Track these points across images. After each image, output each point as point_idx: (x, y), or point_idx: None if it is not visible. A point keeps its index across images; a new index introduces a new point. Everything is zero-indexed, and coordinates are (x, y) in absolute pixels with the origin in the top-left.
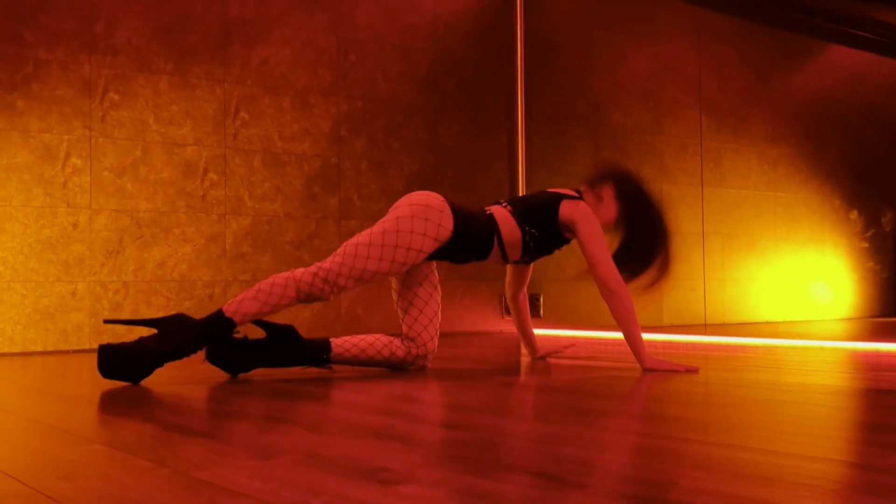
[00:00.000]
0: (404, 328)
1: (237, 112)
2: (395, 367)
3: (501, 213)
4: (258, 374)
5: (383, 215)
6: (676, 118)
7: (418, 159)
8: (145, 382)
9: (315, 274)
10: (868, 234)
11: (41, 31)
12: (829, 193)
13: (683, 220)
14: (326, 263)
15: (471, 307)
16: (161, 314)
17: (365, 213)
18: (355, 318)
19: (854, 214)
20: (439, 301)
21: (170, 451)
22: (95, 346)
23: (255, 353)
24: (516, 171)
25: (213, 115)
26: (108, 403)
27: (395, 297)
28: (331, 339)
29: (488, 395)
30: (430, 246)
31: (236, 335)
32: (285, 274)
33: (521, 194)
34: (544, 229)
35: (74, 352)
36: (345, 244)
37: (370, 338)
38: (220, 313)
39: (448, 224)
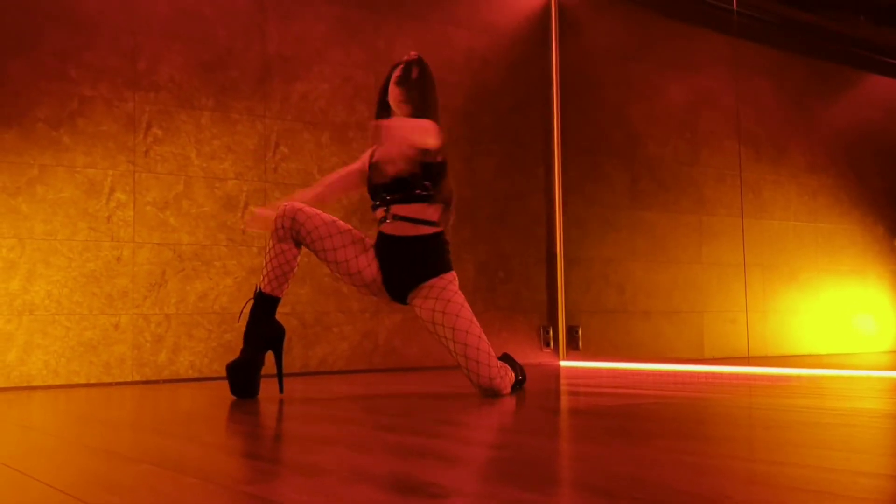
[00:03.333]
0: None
1: (277, 146)
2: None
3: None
4: (295, 400)
5: None
6: (714, 149)
7: (455, 191)
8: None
9: None
10: None
11: (85, 68)
12: (870, 224)
13: (723, 252)
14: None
15: (508, 339)
16: (201, 346)
17: None
18: (393, 350)
19: None
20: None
21: (217, 469)
22: (138, 378)
23: None
24: (553, 203)
25: (254, 149)
26: (153, 427)
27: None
28: None
29: (532, 419)
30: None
31: None
32: None
33: (557, 225)
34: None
35: (117, 384)
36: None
37: None
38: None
39: None
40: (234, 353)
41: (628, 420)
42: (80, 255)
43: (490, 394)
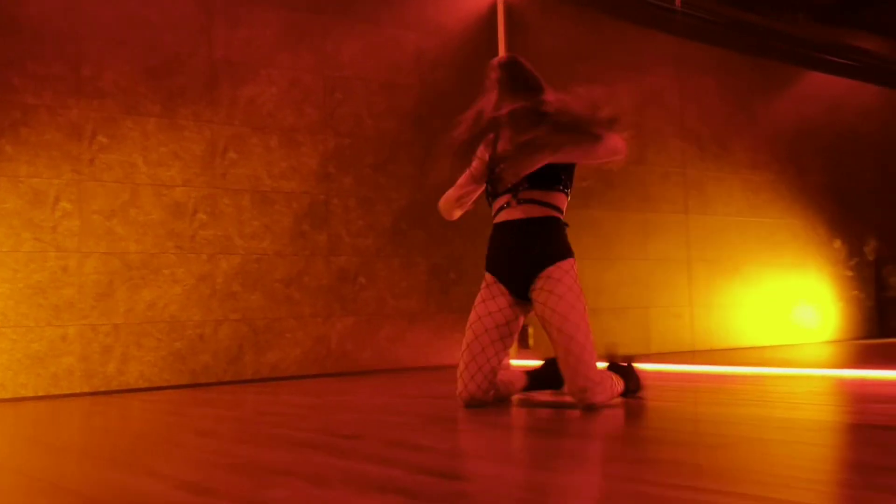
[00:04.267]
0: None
1: (225, 152)
2: None
3: None
4: (256, 415)
5: (371, 251)
6: (660, 147)
7: (406, 195)
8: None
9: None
10: (852, 262)
11: (28, 77)
12: (811, 219)
13: (669, 248)
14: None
15: (460, 340)
16: (151, 356)
17: (354, 250)
18: (345, 354)
19: (837, 243)
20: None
21: None
22: (87, 389)
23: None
24: None
25: (202, 155)
26: (108, 456)
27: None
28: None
29: (487, 439)
30: None
31: None
32: None
33: None
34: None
35: (66, 396)
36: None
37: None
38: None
39: None
40: (185, 362)
41: (580, 440)
42: (26, 266)
43: (581, 400)
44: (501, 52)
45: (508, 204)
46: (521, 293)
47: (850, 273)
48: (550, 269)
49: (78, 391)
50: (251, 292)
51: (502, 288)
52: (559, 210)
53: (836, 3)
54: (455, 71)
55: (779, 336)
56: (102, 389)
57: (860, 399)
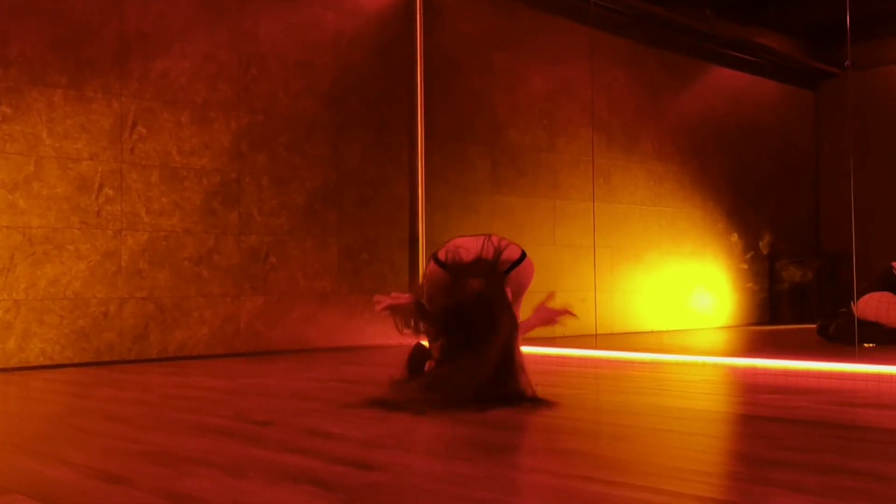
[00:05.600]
0: None
1: (134, 126)
2: None
3: None
4: (183, 402)
5: (283, 231)
6: (570, 137)
7: (320, 175)
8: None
9: None
10: (747, 256)
11: None
12: (711, 209)
13: (575, 235)
14: None
15: (373, 320)
16: (53, 333)
17: (265, 229)
18: (255, 333)
19: (734, 237)
20: None
21: (93, 502)
22: None
23: None
24: (416, 189)
25: (110, 129)
26: (17, 444)
27: None
28: None
29: (397, 427)
30: None
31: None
32: None
33: (420, 209)
34: None
35: None
36: None
37: None
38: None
39: None
40: (89, 340)
41: (489, 429)
42: None
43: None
44: (419, 35)
45: None
46: None
47: (745, 266)
48: None
49: None
50: (158, 270)
51: None
52: None
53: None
54: (373, 52)
55: (676, 321)
56: (1, 366)
57: (751, 389)
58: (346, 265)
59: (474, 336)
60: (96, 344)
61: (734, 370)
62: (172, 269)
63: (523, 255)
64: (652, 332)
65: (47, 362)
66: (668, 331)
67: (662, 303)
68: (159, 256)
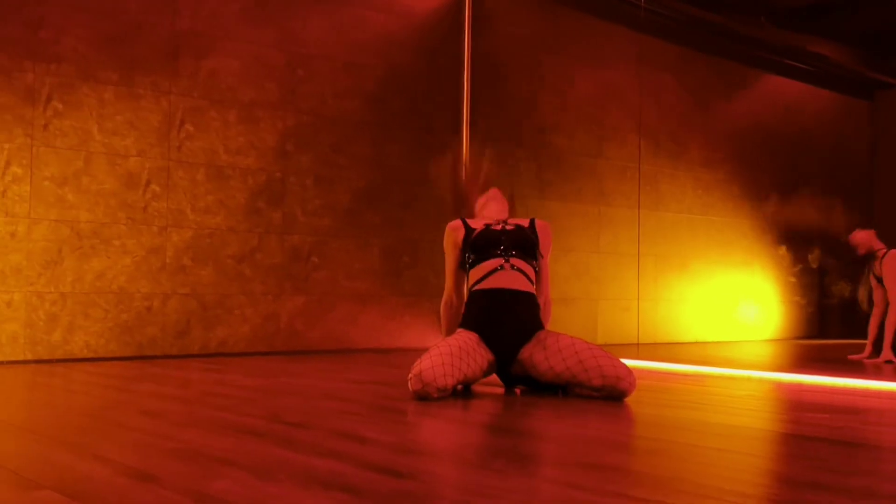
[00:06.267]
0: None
1: (182, 124)
2: None
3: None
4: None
5: (326, 231)
6: (618, 142)
7: (364, 176)
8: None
9: None
10: (796, 269)
11: None
12: (760, 219)
13: (620, 242)
14: None
15: (411, 324)
16: (98, 326)
17: (308, 229)
18: (294, 333)
19: (783, 250)
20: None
21: (119, 498)
22: (30, 357)
23: None
24: (459, 191)
25: (158, 126)
26: (54, 435)
27: None
28: None
29: (433, 433)
30: None
31: None
32: None
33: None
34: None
35: (9, 363)
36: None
37: None
38: None
39: None
40: (132, 334)
41: (523, 439)
42: None
43: (622, 388)
44: (467, 38)
45: (501, 267)
46: (504, 356)
47: (793, 279)
48: (538, 334)
49: (21, 358)
50: (202, 267)
51: (485, 347)
52: (533, 283)
53: (797, 8)
54: (419, 54)
55: (722, 332)
56: (46, 358)
57: (796, 406)
58: (387, 267)
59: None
60: (139, 338)
61: (779, 386)
62: (216, 266)
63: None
64: (696, 342)
65: (91, 355)
66: (712, 342)
67: (707, 313)
68: (203, 253)
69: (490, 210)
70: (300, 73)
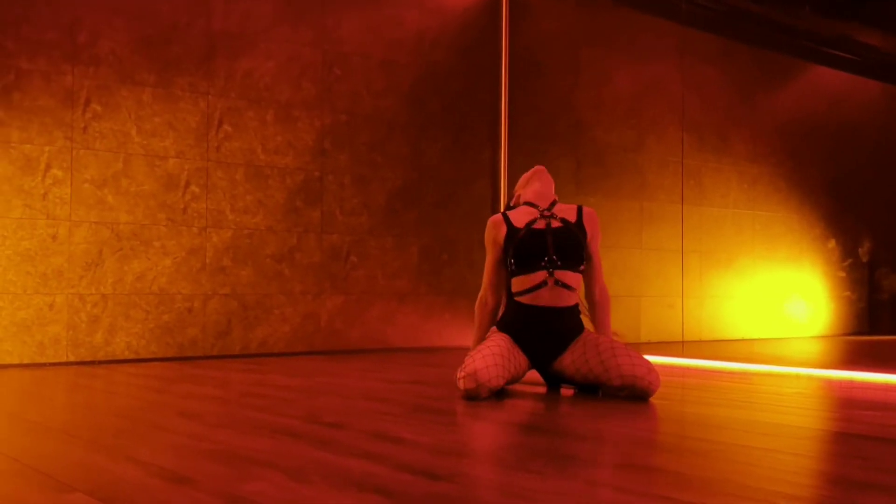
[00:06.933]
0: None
1: (220, 125)
2: None
3: None
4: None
5: (364, 230)
6: (659, 136)
7: (401, 175)
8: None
9: None
10: (845, 263)
11: (23, 41)
12: (807, 213)
13: (663, 238)
14: None
15: (450, 322)
16: (139, 328)
17: (347, 228)
18: (334, 332)
19: (832, 243)
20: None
21: (152, 502)
22: (73, 359)
23: None
24: (498, 189)
25: (196, 127)
26: (89, 437)
27: None
28: None
29: (471, 434)
30: None
31: None
32: None
33: (502, 210)
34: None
35: (51, 365)
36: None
37: None
38: None
39: None
40: (173, 335)
41: (564, 439)
42: (15, 233)
43: (646, 385)
44: (504, 34)
45: (545, 283)
46: (539, 365)
47: (842, 274)
48: (580, 336)
49: (64, 360)
50: (242, 267)
51: (521, 353)
52: (577, 290)
53: None
54: (455, 52)
55: (769, 329)
56: (88, 359)
57: (846, 404)
58: (425, 265)
59: None
60: (180, 339)
61: (829, 383)
62: (255, 266)
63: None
64: (743, 340)
65: (132, 356)
66: (759, 339)
67: (754, 310)
68: (243, 254)
69: (533, 189)
70: (336, 72)
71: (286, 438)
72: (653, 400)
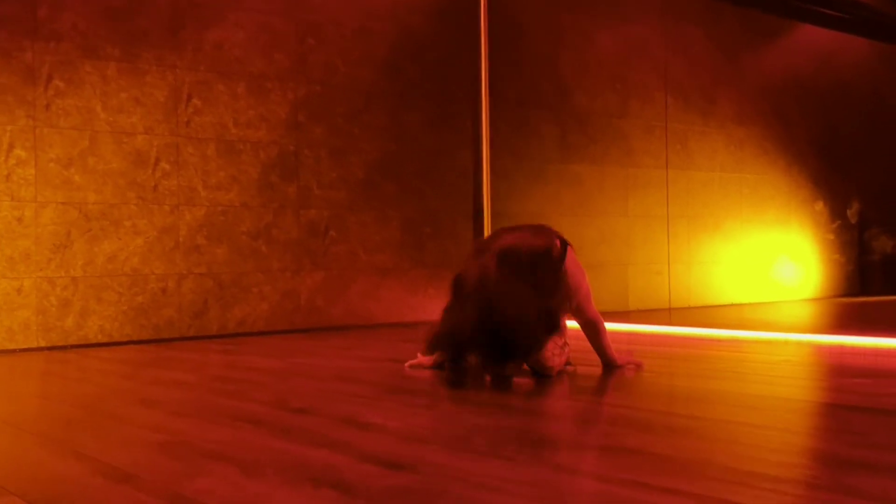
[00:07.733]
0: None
1: (189, 99)
2: None
3: None
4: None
5: (343, 204)
6: (644, 100)
7: (380, 146)
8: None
9: None
10: (834, 225)
11: None
12: (796, 175)
13: (649, 204)
14: None
15: (434, 296)
16: (111, 310)
17: (324, 202)
18: (315, 309)
19: (820, 206)
20: None
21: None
22: (43, 344)
23: None
24: (480, 159)
25: (164, 102)
26: (39, 430)
27: None
28: None
29: (441, 417)
30: None
31: None
32: None
33: (484, 180)
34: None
35: (21, 351)
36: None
37: None
38: None
39: None
40: (148, 317)
41: (539, 420)
42: None
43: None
44: None
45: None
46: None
47: (831, 236)
48: None
49: (35, 346)
50: (217, 245)
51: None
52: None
53: None
54: (433, 17)
55: (758, 294)
56: (60, 344)
57: (837, 372)
58: (407, 239)
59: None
60: (155, 321)
61: (819, 349)
62: (231, 244)
63: (563, 255)
64: (731, 305)
65: (106, 339)
66: (748, 304)
67: (743, 275)
68: (217, 231)
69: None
70: (309, 42)
71: (247, 427)
72: (639, 373)
